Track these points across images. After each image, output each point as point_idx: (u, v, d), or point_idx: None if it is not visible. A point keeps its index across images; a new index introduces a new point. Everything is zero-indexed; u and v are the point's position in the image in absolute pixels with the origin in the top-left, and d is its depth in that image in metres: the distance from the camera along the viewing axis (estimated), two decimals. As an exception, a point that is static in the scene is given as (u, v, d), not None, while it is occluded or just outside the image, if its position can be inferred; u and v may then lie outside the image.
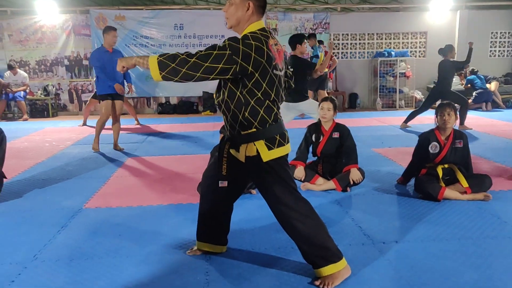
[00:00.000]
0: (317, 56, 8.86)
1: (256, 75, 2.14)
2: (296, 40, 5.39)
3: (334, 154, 4.04)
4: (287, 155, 2.32)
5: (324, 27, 10.84)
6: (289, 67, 5.34)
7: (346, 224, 3.16)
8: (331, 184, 3.93)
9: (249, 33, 2.17)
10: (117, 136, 6.05)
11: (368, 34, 11.08)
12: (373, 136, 6.82)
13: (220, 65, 2.05)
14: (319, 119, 4.13)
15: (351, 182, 3.84)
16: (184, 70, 2.06)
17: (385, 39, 11.16)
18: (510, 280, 2.32)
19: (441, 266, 2.47)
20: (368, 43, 11.14)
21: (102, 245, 2.85)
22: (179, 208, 3.57)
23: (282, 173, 2.27)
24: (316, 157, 4.19)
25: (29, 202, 3.82)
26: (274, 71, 2.19)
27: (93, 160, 5.47)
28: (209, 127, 8.06)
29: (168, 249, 2.77)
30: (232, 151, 2.36)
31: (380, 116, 9.41)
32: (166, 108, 10.79)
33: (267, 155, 2.23)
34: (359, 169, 3.89)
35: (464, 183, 3.61)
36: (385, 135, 6.95)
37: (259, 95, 2.18)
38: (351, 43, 11.10)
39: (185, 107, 10.80)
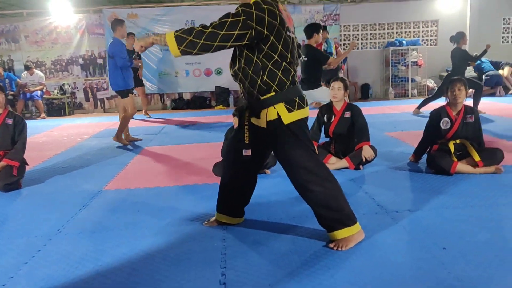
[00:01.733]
0: (331, 53, 8.91)
1: (272, 37, 2.19)
2: (313, 29, 5.43)
3: (346, 133, 4.08)
4: (307, 118, 2.37)
5: (334, 18, 10.85)
6: (303, 56, 5.45)
7: (359, 197, 3.21)
8: (343, 162, 3.98)
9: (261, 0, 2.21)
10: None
11: (379, 24, 11.06)
12: (386, 121, 6.84)
13: (236, 32, 2.12)
14: (330, 100, 4.17)
15: (364, 159, 3.88)
16: (201, 41, 2.12)
17: (396, 28, 11.13)
18: (522, 239, 2.35)
19: (454, 229, 2.50)
20: (379, 33, 11.12)
21: (121, 219, 2.95)
22: (195, 188, 3.66)
23: (302, 136, 2.32)
24: (328, 138, 4.24)
25: (50, 186, 3.95)
26: (288, 32, 2.26)
27: (110, 149, 5.60)
28: (223, 119, 8.16)
29: (185, 221, 2.86)
30: (252, 119, 2.41)
31: (393, 104, 9.39)
32: (179, 104, 10.92)
33: (288, 117, 2.27)
34: (371, 147, 3.93)
35: (476, 157, 3.62)
36: (398, 120, 6.96)
37: (276, 57, 2.23)
38: (362, 34, 11.09)
39: (198, 102, 10.92)
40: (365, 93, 11.09)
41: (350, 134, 4.08)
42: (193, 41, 2.13)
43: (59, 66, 10.77)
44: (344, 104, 4.11)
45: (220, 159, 3.96)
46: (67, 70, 10.80)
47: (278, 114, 2.27)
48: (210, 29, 2.12)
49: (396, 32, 11.13)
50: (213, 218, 2.76)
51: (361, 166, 3.96)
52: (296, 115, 2.28)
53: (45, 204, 3.41)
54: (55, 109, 10.60)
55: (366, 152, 3.87)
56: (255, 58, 2.25)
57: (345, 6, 10.99)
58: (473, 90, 7.13)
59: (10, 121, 3.91)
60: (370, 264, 2.14)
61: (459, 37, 7.23)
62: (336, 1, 11.31)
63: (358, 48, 11.11)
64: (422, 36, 11.19)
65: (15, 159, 3.84)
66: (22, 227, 2.91)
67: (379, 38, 11.15)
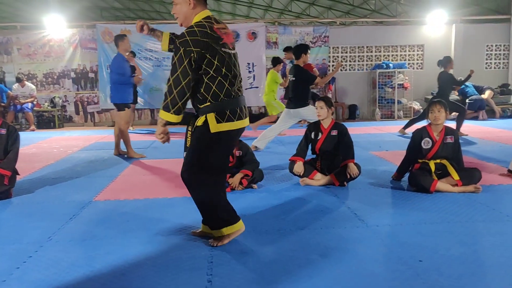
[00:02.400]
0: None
1: (207, 55, 2.42)
2: (302, 49, 5.64)
3: (332, 151, 4.22)
4: (235, 131, 2.57)
5: (324, 40, 11.13)
6: (291, 75, 5.64)
7: (342, 212, 3.34)
8: (329, 179, 4.11)
9: (194, 23, 2.48)
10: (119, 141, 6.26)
11: (367, 47, 11.37)
12: (371, 141, 7.02)
13: (185, 63, 2.37)
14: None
15: (348, 176, 4.02)
16: (175, 91, 2.39)
17: (383, 51, 11.44)
18: (494, 253, 2.49)
19: (430, 243, 2.63)
20: (367, 55, 11.42)
21: (111, 229, 3.03)
22: (184, 200, 3.74)
23: (220, 145, 2.54)
24: (315, 155, 4.37)
25: (40, 196, 4.01)
26: (223, 49, 2.49)
27: (100, 162, 5.67)
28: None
29: (173, 231, 2.95)
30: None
31: (379, 125, 9.61)
32: (169, 119, 11.01)
33: (215, 127, 2.49)
34: (356, 164, 4.07)
35: (455, 176, 3.78)
36: (383, 140, 7.14)
37: (212, 72, 2.46)
38: (350, 56, 11.39)
39: (187, 117, 11.01)
40: (352, 113, 11.32)
41: (336, 152, 4.22)
42: (172, 98, 2.40)
43: (51, 79, 10.83)
44: (331, 123, 4.26)
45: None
46: (59, 83, 10.86)
47: (205, 122, 2.49)
48: (172, 78, 2.39)
49: (383, 55, 11.44)
50: (200, 229, 2.87)
51: (345, 183, 4.09)
52: (223, 126, 2.50)
53: (36, 213, 3.47)
54: (45, 121, 10.63)
55: (351, 169, 4.01)
56: (198, 76, 2.47)
57: (334, 28, 11.30)
58: (457, 113, 7.40)
59: (3, 131, 3.98)
60: (349, 274, 2.25)
61: (446, 61, 7.49)
62: (326, 24, 11.66)
63: (346, 70, 11.38)
64: (409, 60, 11.52)
65: (7, 168, 3.89)
66: (13, 234, 2.97)
67: (366, 60, 11.45)
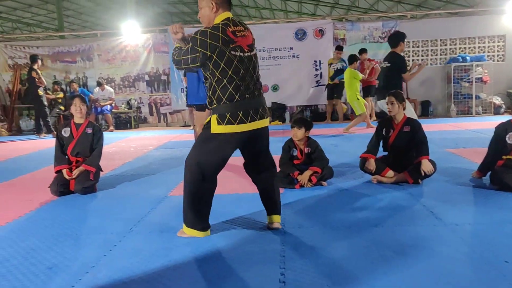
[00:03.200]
0: (342, 71, 9.05)
1: (214, 57, 2.52)
2: (400, 37, 5.52)
3: (405, 147, 4.07)
4: (238, 133, 2.61)
5: (394, 35, 10.74)
6: (386, 62, 5.46)
7: (417, 209, 3.22)
8: (402, 176, 3.97)
9: (212, 25, 2.58)
10: None
11: (441, 40, 10.81)
12: (447, 138, 6.67)
13: (189, 56, 2.56)
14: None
15: (423, 173, 3.85)
16: (179, 58, 2.65)
17: (459, 44, 10.81)
18: None
19: (516, 244, 2.46)
20: (441, 49, 10.86)
21: (187, 222, 3.16)
22: (254, 196, 3.73)
23: (217, 146, 2.63)
24: (386, 152, 4.25)
25: (121, 191, 4.28)
26: (232, 52, 2.55)
27: (174, 160, 5.92)
28: (279, 134, 8.31)
29: (246, 225, 3.02)
30: None
31: (455, 122, 9.11)
32: (237, 119, 11.23)
33: (215, 128, 2.61)
34: (431, 161, 3.90)
35: (545, 174, 3.49)
36: (460, 137, 6.76)
37: (218, 74, 2.55)
38: (422, 50, 10.90)
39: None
40: (425, 110, 10.82)
41: (408, 148, 4.06)
42: (177, 59, 2.66)
43: (127, 82, 11.50)
44: (403, 118, 4.11)
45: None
46: (134, 86, 11.50)
47: (209, 122, 2.64)
48: (179, 54, 2.63)
49: (459, 48, 10.81)
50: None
51: (419, 180, 3.93)
52: (222, 128, 2.59)
53: (118, 206, 3.71)
54: (122, 122, 11.30)
55: (425, 166, 3.84)
56: (207, 75, 2.62)
57: (404, 22, 10.87)
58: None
59: (89, 131, 4.30)
60: (428, 272, 2.17)
61: None
62: (395, 18, 11.25)
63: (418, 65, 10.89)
64: (488, 52, 10.78)
65: (92, 165, 4.21)
66: (100, 225, 3.20)
67: (440, 54, 10.89)
